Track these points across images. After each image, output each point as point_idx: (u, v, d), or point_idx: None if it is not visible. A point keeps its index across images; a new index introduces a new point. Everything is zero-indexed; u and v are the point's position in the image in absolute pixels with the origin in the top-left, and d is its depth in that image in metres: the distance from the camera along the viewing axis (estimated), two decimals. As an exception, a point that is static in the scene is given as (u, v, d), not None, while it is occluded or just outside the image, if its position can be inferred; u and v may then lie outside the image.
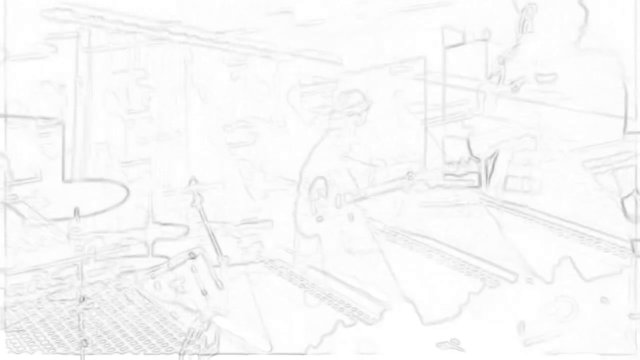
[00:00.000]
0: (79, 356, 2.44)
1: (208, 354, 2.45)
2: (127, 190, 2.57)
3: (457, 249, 2.58)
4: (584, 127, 2.56)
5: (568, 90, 2.56)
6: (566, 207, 2.56)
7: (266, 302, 2.52)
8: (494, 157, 2.57)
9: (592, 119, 2.55)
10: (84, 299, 2.51)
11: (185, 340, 2.44)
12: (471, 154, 2.56)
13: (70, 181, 2.54)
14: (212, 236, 2.55)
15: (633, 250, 2.48)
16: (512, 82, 2.49)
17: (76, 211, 2.54)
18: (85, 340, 2.45)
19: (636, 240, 2.49)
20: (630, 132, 2.52)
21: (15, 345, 2.46)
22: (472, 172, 2.58)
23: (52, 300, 2.52)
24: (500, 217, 2.58)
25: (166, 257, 2.55)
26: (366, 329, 2.48)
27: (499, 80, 2.53)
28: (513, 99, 2.58)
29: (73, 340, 2.46)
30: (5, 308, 2.49)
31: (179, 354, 2.43)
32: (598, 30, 2.54)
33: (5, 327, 2.48)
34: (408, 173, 2.57)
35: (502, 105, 2.59)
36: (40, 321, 2.50)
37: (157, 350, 2.42)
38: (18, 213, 2.53)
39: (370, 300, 2.50)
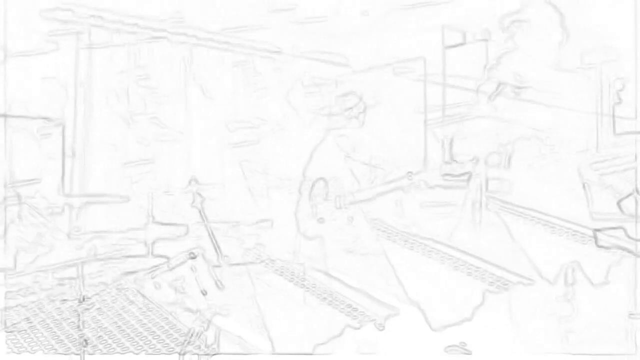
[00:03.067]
0: (79, 356, 2.44)
1: (208, 354, 2.45)
2: (128, 199, 2.57)
3: (462, 251, 2.58)
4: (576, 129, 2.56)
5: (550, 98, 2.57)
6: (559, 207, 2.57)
7: (266, 302, 2.52)
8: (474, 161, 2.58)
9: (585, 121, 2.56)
10: (84, 299, 2.51)
11: (185, 340, 2.44)
12: (451, 157, 2.57)
13: (70, 196, 2.54)
14: (212, 236, 2.55)
15: (595, 241, 2.49)
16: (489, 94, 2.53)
17: (76, 211, 2.54)
18: (85, 340, 2.45)
19: (636, 240, 2.50)
20: (621, 133, 2.52)
21: (16, 346, 2.46)
22: (468, 172, 2.58)
23: (52, 301, 2.52)
24: (507, 220, 2.58)
25: (166, 257, 2.55)
26: (370, 332, 2.48)
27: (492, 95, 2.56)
28: (512, 99, 2.58)
29: (73, 340, 2.46)
30: (5, 308, 2.50)
31: (179, 354, 2.43)
32: (598, 30, 2.54)
33: (6, 327, 2.48)
34: (408, 173, 2.57)
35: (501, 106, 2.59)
36: (41, 321, 2.50)
37: (157, 350, 2.43)
38: (18, 214, 2.53)
39: (377, 304, 2.49)
